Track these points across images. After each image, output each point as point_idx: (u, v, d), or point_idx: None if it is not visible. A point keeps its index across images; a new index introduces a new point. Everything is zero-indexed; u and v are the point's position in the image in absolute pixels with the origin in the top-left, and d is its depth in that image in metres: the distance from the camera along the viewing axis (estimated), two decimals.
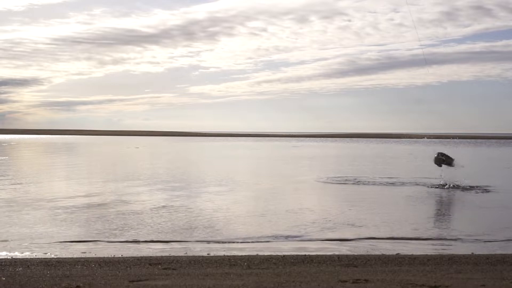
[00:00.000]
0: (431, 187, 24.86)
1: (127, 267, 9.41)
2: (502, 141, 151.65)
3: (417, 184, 26.09)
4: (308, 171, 35.69)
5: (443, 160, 26.00)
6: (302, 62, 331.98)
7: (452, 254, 11.20)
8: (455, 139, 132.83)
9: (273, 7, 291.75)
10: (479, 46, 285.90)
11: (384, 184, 26.13)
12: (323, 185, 25.88)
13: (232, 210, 17.74)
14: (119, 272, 8.91)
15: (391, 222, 15.73)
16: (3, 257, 10.61)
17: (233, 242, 12.80)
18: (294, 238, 13.33)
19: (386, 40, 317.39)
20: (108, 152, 67.06)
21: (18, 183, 25.86)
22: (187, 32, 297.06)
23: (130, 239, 12.91)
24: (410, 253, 11.35)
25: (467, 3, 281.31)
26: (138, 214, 16.65)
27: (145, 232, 13.83)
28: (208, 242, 12.74)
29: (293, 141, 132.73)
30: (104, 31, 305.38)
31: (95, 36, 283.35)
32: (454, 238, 13.56)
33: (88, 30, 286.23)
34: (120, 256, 10.82)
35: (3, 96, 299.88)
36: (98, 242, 12.53)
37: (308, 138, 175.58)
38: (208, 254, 11.27)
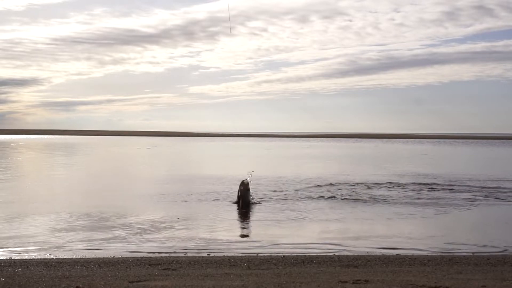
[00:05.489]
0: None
1: (126, 267, 9.39)
2: (505, 141, 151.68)
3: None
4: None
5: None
6: (303, 62, 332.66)
7: (453, 255, 11.18)
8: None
9: (274, 7, 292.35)
10: (480, 46, 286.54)
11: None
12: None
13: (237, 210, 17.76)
14: (118, 272, 8.89)
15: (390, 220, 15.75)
16: (2, 258, 10.58)
17: (233, 243, 12.79)
18: (295, 238, 13.34)
19: (386, 40, 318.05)
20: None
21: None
22: (187, 32, 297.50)
23: (129, 240, 12.90)
24: (411, 254, 11.34)
25: (468, 3, 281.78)
26: (139, 214, 16.63)
27: (145, 232, 13.81)
28: (208, 242, 12.72)
29: (297, 142, 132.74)
30: (104, 31, 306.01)
31: (95, 36, 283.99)
32: (454, 238, 13.54)
33: (88, 30, 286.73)
34: (119, 256, 10.80)
35: (3, 96, 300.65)
36: (98, 242, 12.50)
37: (309, 138, 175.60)
38: (208, 254, 11.24)
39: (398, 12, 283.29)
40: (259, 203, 19.16)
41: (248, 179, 19.49)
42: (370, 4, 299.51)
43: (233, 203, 19.11)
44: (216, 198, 20.47)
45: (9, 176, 29.88)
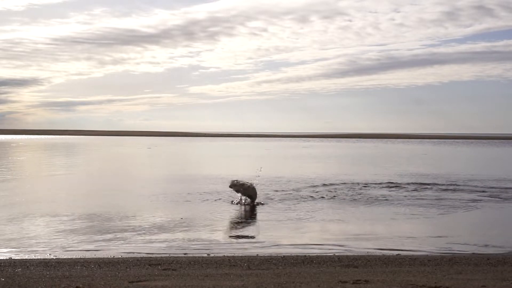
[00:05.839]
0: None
1: (126, 267, 9.39)
2: (505, 141, 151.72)
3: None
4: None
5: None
6: (303, 62, 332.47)
7: (453, 255, 11.18)
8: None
9: (274, 7, 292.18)
10: (480, 46, 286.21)
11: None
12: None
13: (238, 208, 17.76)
14: (118, 272, 8.89)
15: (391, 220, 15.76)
16: (2, 258, 10.59)
17: (233, 243, 12.79)
18: (295, 239, 13.34)
19: (386, 40, 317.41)
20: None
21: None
22: (187, 32, 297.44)
23: (129, 240, 12.89)
24: (411, 254, 11.35)
25: (468, 3, 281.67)
26: (140, 214, 16.62)
27: (145, 232, 13.80)
28: (208, 242, 12.72)
29: (297, 142, 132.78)
30: (104, 31, 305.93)
31: (95, 36, 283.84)
32: (454, 238, 13.54)
33: (88, 30, 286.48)
34: (119, 256, 10.80)
35: (3, 96, 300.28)
36: (98, 243, 12.50)
37: (309, 138, 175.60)
38: (208, 254, 11.25)
39: (398, 12, 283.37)
40: (261, 204, 19.11)
41: (255, 179, 19.42)
42: (370, 4, 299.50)
43: (236, 203, 19.02)
44: (217, 198, 20.45)
45: (10, 177, 29.89)
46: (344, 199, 20.72)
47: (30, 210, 17.20)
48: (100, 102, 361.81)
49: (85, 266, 9.48)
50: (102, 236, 13.26)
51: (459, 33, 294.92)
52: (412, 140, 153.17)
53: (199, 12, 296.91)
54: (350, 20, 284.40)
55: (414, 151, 77.40)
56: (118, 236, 13.24)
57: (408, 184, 26.20)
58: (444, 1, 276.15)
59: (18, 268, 9.20)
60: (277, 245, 12.54)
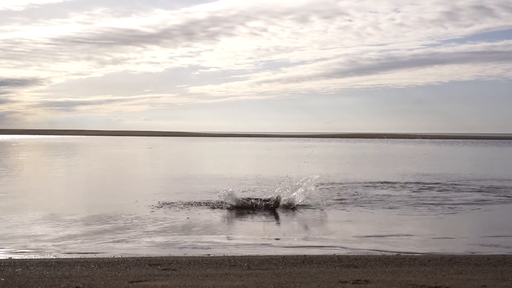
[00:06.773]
0: None
1: (126, 267, 9.39)
2: (505, 141, 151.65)
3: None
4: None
5: None
6: (303, 62, 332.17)
7: (453, 255, 11.17)
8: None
9: (274, 7, 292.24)
10: (480, 46, 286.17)
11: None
12: None
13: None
14: (118, 272, 8.89)
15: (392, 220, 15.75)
16: (2, 258, 10.59)
17: (233, 243, 12.78)
18: (294, 239, 13.33)
19: (387, 40, 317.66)
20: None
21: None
22: (187, 32, 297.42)
23: (130, 240, 12.89)
24: (411, 254, 11.34)
25: (468, 3, 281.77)
26: (141, 213, 16.62)
27: (145, 232, 13.81)
28: (208, 242, 12.72)
29: (297, 142, 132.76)
30: (104, 31, 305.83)
31: (95, 36, 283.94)
32: (455, 239, 13.54)
33: (88, 30, 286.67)
34: (119, 256, 10.80)
35: (3, 96, 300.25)
36: (98, 243, 12.50)
37: (309, 138, 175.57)
38: (208, 254, 11.24)
39: (398, 12, 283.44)
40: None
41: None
42: (370, 4, 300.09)
43: (236, 203, 18.99)
44: (218, 198, 20.43)
45: (10, 177, 29.90)
46: (345, 198, 20.71)
47: (30, 210, 17.20)
48: (100, 102, 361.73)
49: (85, 266, 9.47)
50: (103, 236, 13.26)
51: (459, 33, 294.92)
52: (413, 140, 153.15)
53: (199, 12, 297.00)
54: (350, 20, 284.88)
55: (414, 150, 77.40)
56: (118, 236, 13.24)
57: (410, 183, 26.19)
58: (444, 1, 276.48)
59: (18, 268, 9.20)
60: (277, 245, 12.53)
